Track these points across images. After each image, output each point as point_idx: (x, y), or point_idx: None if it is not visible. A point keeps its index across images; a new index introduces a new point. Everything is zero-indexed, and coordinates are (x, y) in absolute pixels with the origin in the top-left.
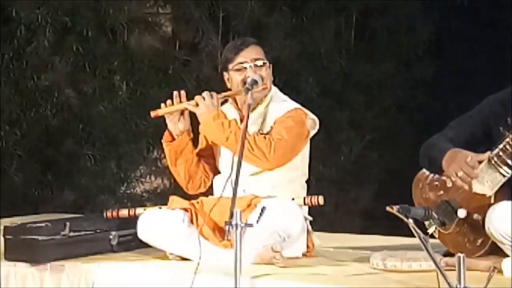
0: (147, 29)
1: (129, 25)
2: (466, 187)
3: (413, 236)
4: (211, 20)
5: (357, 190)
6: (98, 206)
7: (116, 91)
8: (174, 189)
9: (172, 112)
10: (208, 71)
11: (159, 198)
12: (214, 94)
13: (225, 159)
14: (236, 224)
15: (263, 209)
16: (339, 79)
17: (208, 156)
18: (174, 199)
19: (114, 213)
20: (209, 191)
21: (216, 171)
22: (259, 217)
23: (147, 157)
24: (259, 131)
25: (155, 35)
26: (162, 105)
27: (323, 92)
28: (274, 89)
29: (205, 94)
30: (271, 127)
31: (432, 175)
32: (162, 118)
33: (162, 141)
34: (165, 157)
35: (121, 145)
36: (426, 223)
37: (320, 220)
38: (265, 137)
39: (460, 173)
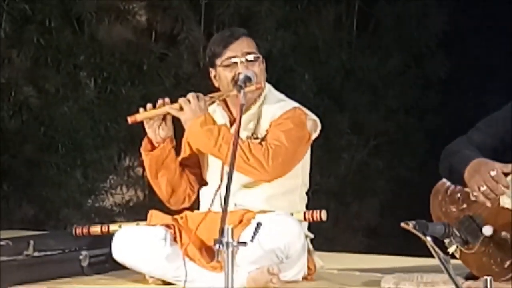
0: (118, 18)
1: (97, 13)
2: (489, 204)
3: (430, 256)
4: (192, 8)
5: (360, 203)
6: (62, 222)
7: (83, 90)
8: (149, 201)
9: (153, 117)
10: (189, 66)
11: (132, 213)
12: (201, 95)
13: (214, 168)
14: (227, 243)
15: (258, 225)
16: (339, 76)
17: (193, 166)
18: (154, 214)
19: (85, 230)
20: (195, 205)
21: (203, 183)
22: (253, 235)
23: (118, 166)
24: (252, 135)
25: (128, 25)
26: (141, 109)
27: (321, 91)
28: (268, 87)
29: (191, 96)
30: (267, 131)
31: (453, 186)
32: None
33: (141, 150)
34: (139, 165)
35: (88, 152)
36: (446, 241)
37: (317, 237)
38: (261, 144)
39: (483, 188)
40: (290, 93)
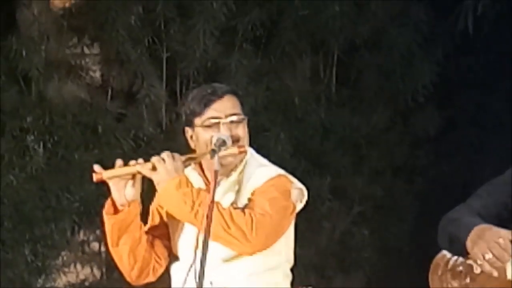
0: (69, 74)
1: (46, 70)
2: (495, 273)
3: None
4: (153, 62)
5: (344, 277)
6: None
7: (31, 155)
8: (107, 280)
9: (121, 176)
10: (150, 127)
11: None
12: (176, 155)
13: (187, 240)
14: None
15: None
16: (318, 135)
17: (161, 237)
18: None
19: None
20: (163, 283)
21: (171, 255)
22: None
23: (71, 240)
24: (231, 205)
25: (80, 83)
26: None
27: (298, 152)
28: (250, 151)
29: (166, 155)
30: (249, 200)
31: (454, 258)
32: (94, 186)
33: (104, 212)
34: (95, 239)
35: (37, 225)
36: None
37: None
38: (244, 212)
39: (488, 256)
40: (263, 155)
